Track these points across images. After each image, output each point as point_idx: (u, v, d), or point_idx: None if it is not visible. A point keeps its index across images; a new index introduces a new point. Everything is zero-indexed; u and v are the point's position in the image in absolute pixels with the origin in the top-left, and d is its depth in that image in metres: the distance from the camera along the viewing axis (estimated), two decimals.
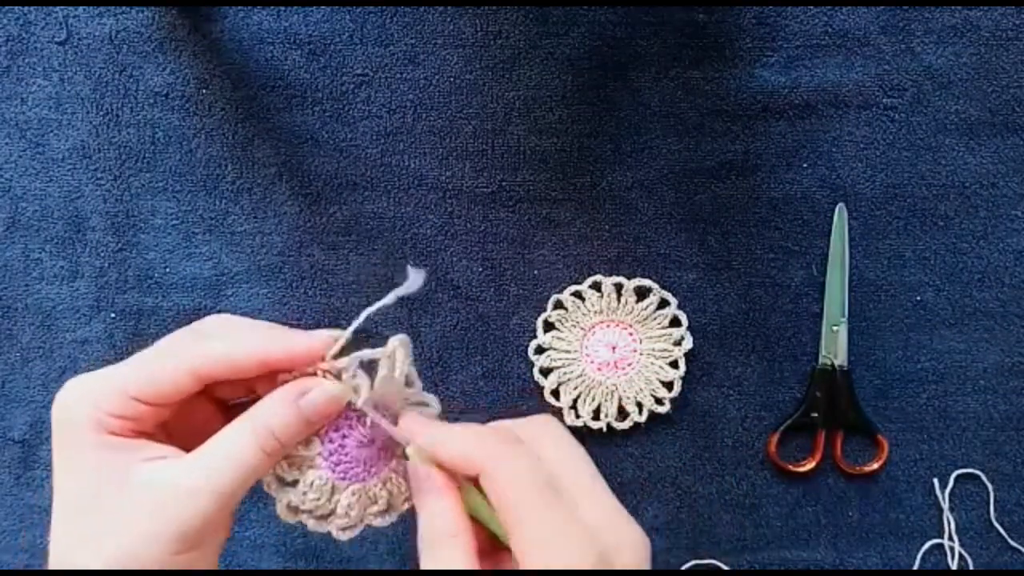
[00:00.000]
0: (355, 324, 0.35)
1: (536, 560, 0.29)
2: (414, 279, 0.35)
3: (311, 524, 0.35)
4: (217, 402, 0.35)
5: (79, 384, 0.31)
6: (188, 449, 0.32)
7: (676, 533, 0.60)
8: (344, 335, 0.34)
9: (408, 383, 0.36)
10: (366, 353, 0.35)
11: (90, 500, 0.29)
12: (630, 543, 0.31)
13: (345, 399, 0.34)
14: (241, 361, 0.31)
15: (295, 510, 0.35)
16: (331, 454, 0.35)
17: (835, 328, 0.59)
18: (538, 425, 0.35)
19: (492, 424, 0.35)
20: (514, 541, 0.30)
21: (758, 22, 0.60)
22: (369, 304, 0.35)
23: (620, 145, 0.60)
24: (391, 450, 0.37)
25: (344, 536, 0.36)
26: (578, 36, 0.60)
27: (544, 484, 0.31)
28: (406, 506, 0.37)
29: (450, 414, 0.60)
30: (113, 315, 0.61)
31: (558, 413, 0.59)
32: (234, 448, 0.31)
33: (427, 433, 0.34)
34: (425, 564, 0.32)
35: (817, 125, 0.60)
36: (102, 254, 0.61)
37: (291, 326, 0.59)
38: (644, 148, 0.60)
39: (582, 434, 0.60)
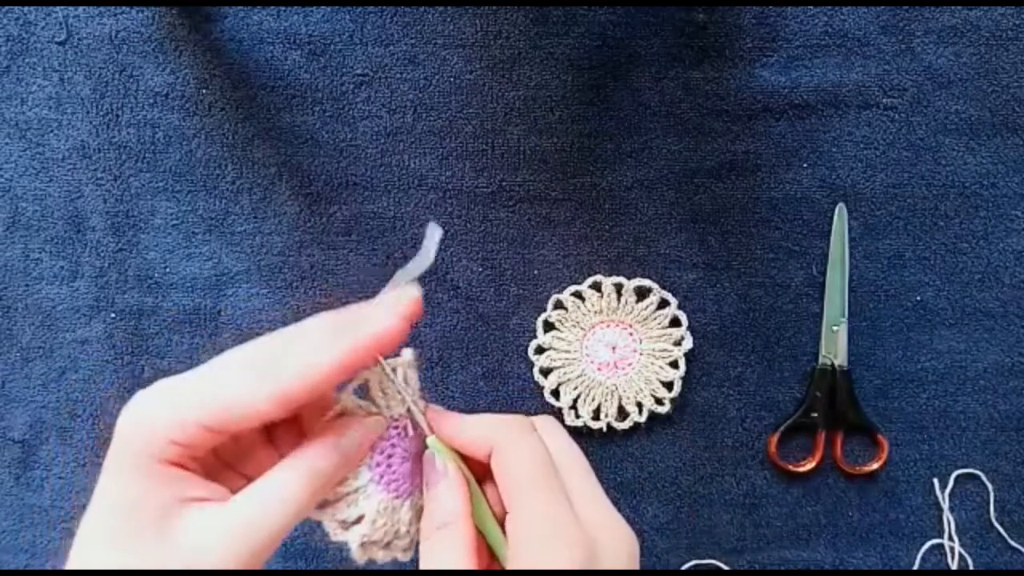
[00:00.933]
0: (404, 280, 0.35)
1: (528, 543, 0.30)
2: (432, 233, 0.35)
3: (380, 556, 0.35)
4: None
5: (154, 397, 0.29)
6: (222, 459, 0.32)
7: (676, 533, 0.60)
8: (411, 294, 0.34)
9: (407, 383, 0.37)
10: (398, 361, 0.36)
11: (125, 530, 0.28)
12: (620, 542, 0.32)
13: (381, 427, 0.34)
14: (326, 371, 0.29)
15: (367, 546, 0.34)
16: (382, 476, 0.34)
17: (835, 328, 0.59)
18: (542, 422, 0.35)
19: (505, 415, 0.36)
20: (511, 520, 0.31)
21: (758, 22, 0.60)
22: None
23: (620, 145, 0.60)
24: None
25: (406, 556, 0.36)
26: (578, 36, 0.60)
27: (549, 470, 0.32)
28: None
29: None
30: (113, 315, 0.61)
31: (558, 413, 0.59)
32: (287, 495, 0.29)
33: (449, 420, 0.35)
34: (424, 549, 0.33)
35: (817, 125, 0.60)
36: (102, 254, 0.61)
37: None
38: (644, 148, 0.60)
39: (582, 434, 0.60)
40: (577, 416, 0.59)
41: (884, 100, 0.60)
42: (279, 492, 0.29)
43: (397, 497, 0.35)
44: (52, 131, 0.61)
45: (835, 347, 0.59)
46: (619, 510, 0.60)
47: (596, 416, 0.59)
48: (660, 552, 0.60)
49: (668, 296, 0.59)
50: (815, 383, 0.59)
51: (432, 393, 0.60)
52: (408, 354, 0.36)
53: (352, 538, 0.34)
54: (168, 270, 0.60)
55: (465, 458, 0.35)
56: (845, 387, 0.59)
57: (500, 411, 0.60)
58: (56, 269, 0.61)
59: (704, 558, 0.60)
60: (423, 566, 0.32)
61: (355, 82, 0.60)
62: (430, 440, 0.35)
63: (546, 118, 0.60)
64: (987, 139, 0.60)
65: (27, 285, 0.61)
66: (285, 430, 0.34)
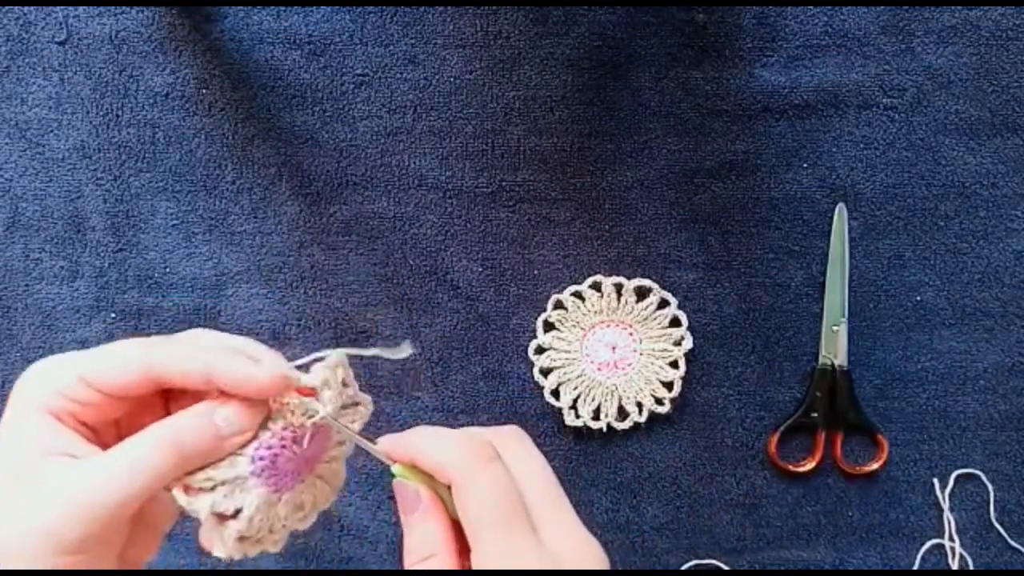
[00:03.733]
0: (310, 365, 0.33)
1: None
2: (402, 349, 0.34)
3: (251, 551, 0.33)
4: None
5: (43, 362, 0.31)
6: (121, 434, 0.32)
7: (676, 533, 0.60)
8: (299, 376, 0.32)
9: (345, 384, 0.35)
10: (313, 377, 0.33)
11: (7, 477, 0.30)
12: (583, 562, 0.31)
13: (256, 421, 0.32)
14: (190, 373, 0.31)
15: (242, 541, 0.33)
16: (263, 471, 0.32)
17: (835, 328, 0.59)
18: (506, 437, 0.34)
19: (468, 431, 0.34)
20: (473, 557, 0.31)
21: (758, 22, 0.60)
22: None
23: (620, 145, 0.60)
24: (318, 458, 0.35)
25: (277, 548, 0.34)
26: (578, 36, 0.60)
27: (511, 506, 0.31)
28: (327, 505, 0.36)
29: (450, 414, 0.60)
30: (113, 315, 0.61)
31: (558, 413, 0.59)
32: (138, 460, 0.30)
33: (404, 445, 0.33)
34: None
35: (817, 125, 0.60)
36: (102, 254, 0.61)
37: (291, 326, 0.60)
38: (644, 148, 0.60)
39: (582, 434, 0.60)
40: (577, 416, 0.59)
41: (884, 100, 0.60)
42: (136, 456, 0.30)
43: (276, 492, 0.33)
44: (52, 131, 0.61)
45: (835, 347, 0.59)
46: (619, 510, 0.61)
47: (596, 416, 0.59)
48: (660, 552, 0.60)
49: (668, 296, 0.59)
50: (815, 383, 0.59)
51: (432, 393, 0.60)
52: (333, 356, 0.34)
53: (228, 534, 0.32)
54: (168, 270, 0.60)
55: None
56: (845, 387, 0.59)
57: (500, 411, 0.60)
58: (56, 269, 0.61)
59: (704, 558, 0.60)
60: None
61: (355, 82, 0.60)
62: (396, 469, 0.34)
63: (546, 118, 0.60)
64: (987, 139, 0.60)
65: (27, 285, 0.61)
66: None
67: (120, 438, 0.32)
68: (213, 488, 0.31)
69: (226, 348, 0.32)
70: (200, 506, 0.31)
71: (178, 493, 0.31)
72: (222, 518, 0.32)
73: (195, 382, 0.31)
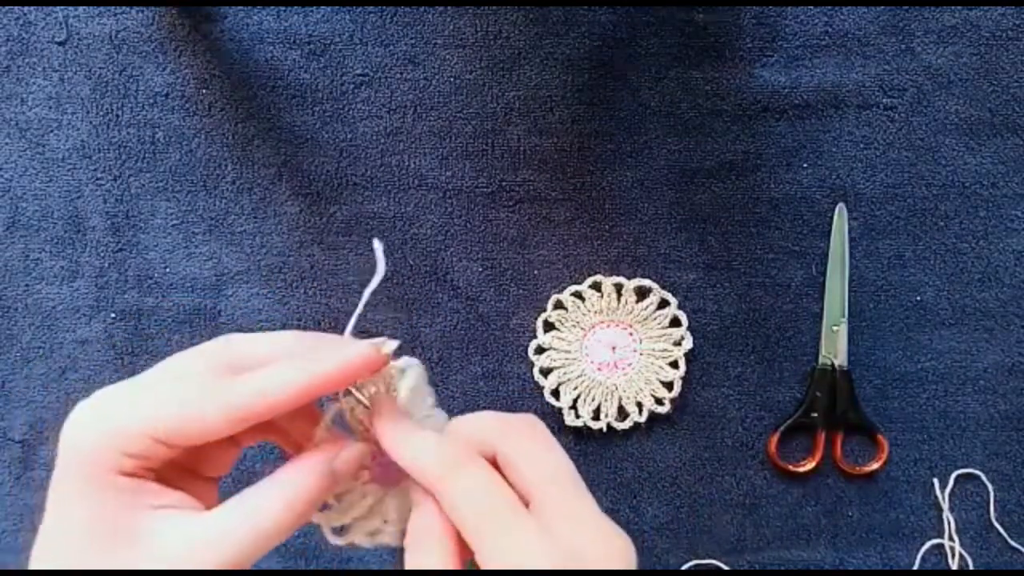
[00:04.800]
0: (351, 323, 0.34)
1: None
2: (378, 255, 0.34)
3: (367, 542, 0.35)
4: None
5: (98, 410, 0.28)
6: (193, 469, 0.31)
7: (676, 533, 0.60)
8: (388, 344, 0.32)
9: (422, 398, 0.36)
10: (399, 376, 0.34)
11: (86, 548, 0.27)
12: (613, 555, 0.29)
13: (368, 453, 0.33)
14: (282, 400, 0.29)
15: (356, 536, 0.34)
16: (370, 474, 0.34)
17: (835, 328, 0.59)
18: (519, 428, 0.32)
19: (469, 418, 0.34)
20: (478, 558, 0.29)
21: (758, 22, 0.60)
22: (364, 307, 0.34)
23: (620, 145, 0.60)
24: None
25: (395, 542, 0.35)
26: (578, 36, 0.60)
27: (492, 507, 0.29)
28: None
29: (450, 414, 0.60)
30: (113, 315, 0.61)
31: (558, 413, 0.59)
32: (259, 516, 0.29)
33: (389, 440, 0.32)
34: (408, 560, 0.31)
35: (817, 125, 0.60)
36: (102, 254, 0.61)
37: (291, 326, 0.60)
38: (644, 148, 0.60)
39: (582, 434, 0.60)
40: (577, 416, 0.59)
41: (884, 100, 0.60)
42: (259, 509, 0.29)
43: (383, 488, 0.34)
44: (52, 131, 0.61)
45: (835, 347, 0.59)
46: (619, 510, 0.61)
47: (596, 416, 0.59)
48: (660, 552, 0.60)
49: (668, 296, 0.59)
50: (815, 383, 0.59)
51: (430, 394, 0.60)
52: (411, 369, 0.34)
53: (358, 534, 0.34)
54: (168, 270, 0.60)
55: None
56: (845, 387, 0.59)
57: (500, 411, 0.60)
58: (56, 269, 0.61)
59: (704, 558, 0.60)
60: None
61: (355, 82, 0.60)
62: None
63: (546, 118, 0.60)
64: (987, 139, 0.60)
65: (27, 285, 0.61)
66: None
67: (178, 467, 0.30)
68: (353, 522, 0.34)
69: (278, 346, 0.31)
70: (359, 540, 0.34)
71: (328, 535, 0.34)
72: (338, 531, 0.34)
73: (287, 406, 0.29)
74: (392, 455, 0.32)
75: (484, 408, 0.61)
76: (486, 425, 0.33)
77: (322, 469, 0.31)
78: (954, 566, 0.59)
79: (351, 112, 0.60)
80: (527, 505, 0.30)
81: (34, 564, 0.28)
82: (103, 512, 0.28)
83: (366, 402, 0.33)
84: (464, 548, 0.30)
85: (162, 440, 0.28)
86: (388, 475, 0.34)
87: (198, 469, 0.32)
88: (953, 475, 0.60)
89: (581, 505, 0.30)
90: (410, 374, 0.34)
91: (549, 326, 0.60)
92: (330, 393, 0.32)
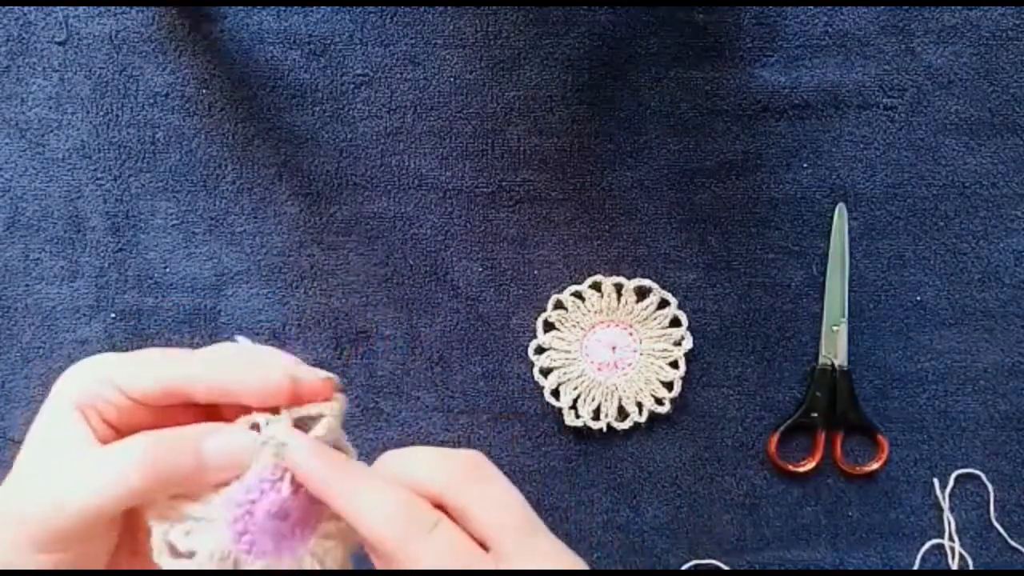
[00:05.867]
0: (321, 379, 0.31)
1: None
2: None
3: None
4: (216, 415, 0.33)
5: (85, 360, 0.31)
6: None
7: (676, 533, 0.60)
8: (311, 374, 0.30)
9: (337, 447, 0.31)
10: (303, 410, 0.30)
11: (28, 462, 0.29)
12: None
13: (251, 455, 0.29)
14: (200, 390, 0.29)
15: None
16: (235, 520, 0.29)
17: (835, 328, 0.59)
18: (468, 473, 0.30)
19: (401, 457, 0.31)
20: None
21: (758, 22, 0.60)
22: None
23: (620, 145, 0.60)
24: (309, 525, 0.31)
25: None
26: (578, 36, 0.60)
27: (466, 568, 0.29)
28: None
29: (450, 414, 0.60)
30: (113, 315, 0.61)
31: (558, 413, 0.59)
32: (113, 472, 0.28)
33: (335, 487, 0.29)
34: None
35: (817, 125, 0.60)
36: (102, 254, 0.61)
37: (291, 326, 0.60)
38: (644, 148, 0.60)
39: (582, 434, 0.60)
40: (577, 416, 0.59)
41: (884, 100, 0.60)
42: (112, 468, 0.28)
43: (247, 552, 0.29)
44: (52, 131, 0.60)
45: (835, 347, 0.59)
46: (619, 510, 0.61)
47: (596, 416, 0.59)
48: (660, 552, 0.60)
49: (668, 296, 0.59)
50: (815, 383, 0.59)
51: (432, 393, 0.60)
52: (336, 402, 0.31)
53: (175, 568, 0.29)
54: (168, 270, 0.60)
55: None
56: (845, 387, 0.59)
57: (500, 411, 0.60)
58: (56, 269, 0.61)
59: (704, 558, 0.60)
60: None
61: (355, 82, 0.60)
62: None
63: (546, 118, 0.60)
64: (987, 139, 0.60)
65: (27, 285, 0.61)
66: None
67: None
68: (179, 519, 0.29)
69: (246, 359, 0.30)
70: (156, 531, 0.29)
71: (151, 511, 0.29)
72: (175, 551, 0.29)
73: (217, 396, 0.29)
74: (337, 507, 0.29)
75: (484, 408, 0.61)
76: (428, 468, 0.30)
77: (193, 437, 0.29)
78: (954, 566, 0.59)
79: (351, 112, 0.60)
80: (485, 547, 0.30)
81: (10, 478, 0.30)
82: (44, 436, 0.30)
83: (292, 437, 0.29)
84: None
85: (115, 382, 0.30)
86: (253, 535, 0.29)
87: None
88: (953, 475, 0.60)
89: (538, 541, 0.30)
90: (331, 416, 0.30)
91: (549, 326, 0.60)
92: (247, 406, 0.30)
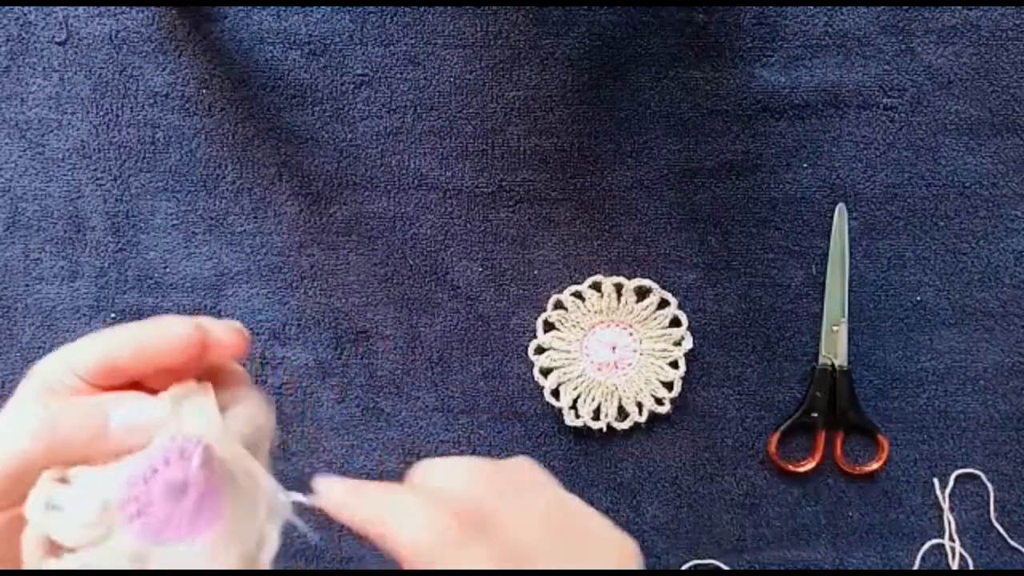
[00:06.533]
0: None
1: None
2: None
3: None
4: None
5: (55, 352, 0.31)
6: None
7: (676, 533, 0.60)
8: (223, 328, 0.28)
9: (251, 449, 0.29)
10: (227, 393, 0.28)
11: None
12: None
13: (157, 426, 0.27)
14: (124, 356, 0.28)
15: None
16: (130, 485, 0.26)
17: (835, 328, 0.59)
18: (510, 481, 0.31)
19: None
20: None
21: (758, 22, 0.60)
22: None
23: (620, 145, 0.60)
24: (206, 515, 0.28)
25: None
26: (578, 36, 0.60)
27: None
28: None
29: (450, 414, 0.60)
30: (113, 315, 0.61)
31: (558, 413, 0.59)
32: (12, 435, 0.27)
33: (361, 501, 0.29)
34: None
35: (817, 125, 0.60)
36: (102, 254, 0.61)
37: (291, 326, 0.60)
38: (644, 148, 0.60)
39: (582, 434, 0.60)
40: (577, 416, 0.59)
41: (884, 100, 0.60)
42: (13, 429, 0.28)
43: (130, 522, 0.26)
44: (52, 131, 0.61)
45: (835, 347, 0.59)
46: (619, 510, 0.61)
47: (596, 416, 0.59)
48: (660, 552, 0.60)
49: (668, 296, 0.59)
50: (815, 383, 0.59)
51: (432, 393, 0.60)
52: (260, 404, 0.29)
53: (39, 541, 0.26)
54: (168, 270, 0.60)
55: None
56: (845, 387, 0.59)
57: (500, 411, 0.60)
58: (56, 269, 0.61)
59: (704, 558, 0.60)
60: None
61: (355, 82, 0.60)
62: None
63: (546, 118, 0.60)
64: (987, 139, 0.60)
65: (27, 285, 0.61)
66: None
67: None
68: (69, 479, 0.27)
69: (168, 323, 0.29)
70: (39, 484, 0.26)
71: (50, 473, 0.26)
72: (55, 548, 0.26)
73: (141, 361, 0.29)
74: (364, 525, 0.28)
75: (484, 408, 0.61)
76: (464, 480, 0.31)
77: (99, 404, 0.28)
78: (954, 566, 0.59)
79: (351, 112, 0.60)
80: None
81: None
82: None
83: (203, 411, 0.28)
84: None
85: (71, 366, 0.29)
86: (151, 520, 0.27)
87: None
88: (953, 475, 0.60)
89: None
90: (246, 405, 0.29)
91: (549, 326, 0.60)
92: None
